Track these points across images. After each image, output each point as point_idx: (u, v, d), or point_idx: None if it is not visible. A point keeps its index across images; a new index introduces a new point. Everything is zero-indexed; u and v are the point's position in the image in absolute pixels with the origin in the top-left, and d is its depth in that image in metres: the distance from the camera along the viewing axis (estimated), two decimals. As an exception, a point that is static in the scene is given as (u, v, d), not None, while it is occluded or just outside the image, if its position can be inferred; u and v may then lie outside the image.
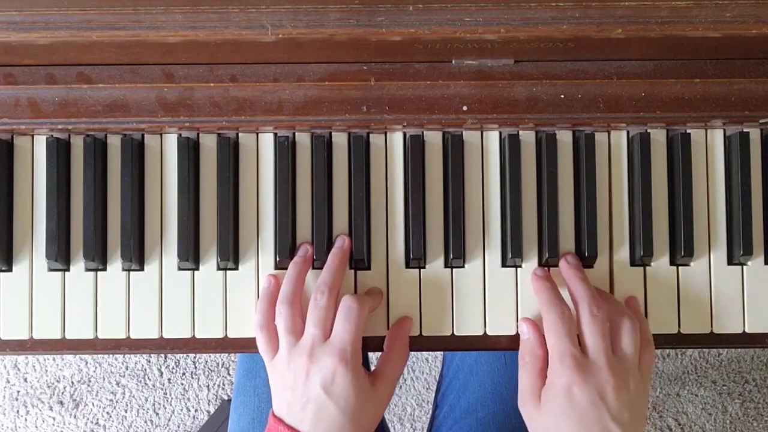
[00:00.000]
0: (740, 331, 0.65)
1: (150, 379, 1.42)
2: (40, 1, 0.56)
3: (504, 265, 0.65)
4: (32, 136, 0.65)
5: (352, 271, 0.65)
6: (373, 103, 0.62)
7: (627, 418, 0.56)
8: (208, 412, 1.43)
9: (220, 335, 0.65)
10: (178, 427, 1.42)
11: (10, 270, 0.65)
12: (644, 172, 0.64)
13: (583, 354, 0.58)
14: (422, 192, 0.64)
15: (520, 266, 0.65)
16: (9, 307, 0.64)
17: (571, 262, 0.63)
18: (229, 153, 0.64)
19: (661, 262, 0.65)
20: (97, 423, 1.42)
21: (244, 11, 0.56)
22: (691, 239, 0.64)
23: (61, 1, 0.56)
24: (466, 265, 0.65)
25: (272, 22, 0.57)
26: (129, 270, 0.65)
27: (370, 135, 0.65)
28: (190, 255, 0.64)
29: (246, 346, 0.65)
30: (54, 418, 1.42)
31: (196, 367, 1.43)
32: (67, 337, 0.65)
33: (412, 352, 0.67)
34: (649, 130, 0.65)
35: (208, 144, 0.65)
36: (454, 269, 0.65)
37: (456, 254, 0.64)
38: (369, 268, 0.65)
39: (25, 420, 1.42)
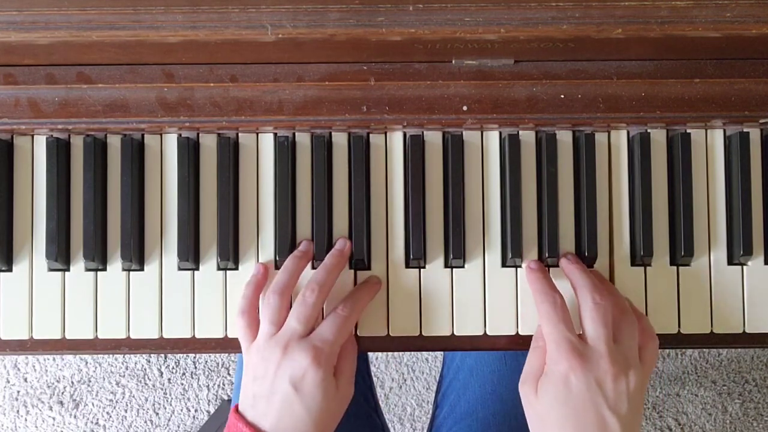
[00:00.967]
0: (740, 331, 0.65)
1: (150, 379, 1.42)
2: (40, 1, 0.56)
3: (504, 265, 0.65)
4: (32, 136, 0.65)
5: (352, 271, 0.65)
6: (373, 103, 0.62)
7: (624, 408, 0.55)
8: (208, 412, 1.43)
9: (220, 335, 0.65)
10: (178, 427, 1.42)
11: (10, 270, 0.65)
12: (644, 172, 0.64)
13: (582, 341, 0.57)
14: (422, 192, 0.64)
15: (520, 266, 0.65)
16: (9, 307, 0.64)
17: (571, 259, 0.63)
18: (229, 153, 0.64)
19: (661, 262, 0.65)
20: (97, 423, 1.42)
21: (244, 11, 0.56)
22: (691, 239, 0.64)
23: (61, 1, 0.56)
24: (466, 265, 0.65)
25: (272, 22, 0.57)
26: (129, 270, 0.65)
27: (370, 135, 0.65)
28: (190, 255, 0.64)
29: (246, 346, 0.65)
30: (54, 418, 1.42)
31: (196, 367, 1.43)
32: (67, 337, 0.65)
33: (413, 353, 0.67)
34: (649, 130, 0.65)
35: (208, 144, 0.65)
36: (454, 269, 0.65)
37: (456, 254, 0.64)
38: (369, 268, 0.65)
39: (25, 420, 1.42)
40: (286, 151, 0.65)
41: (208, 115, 0.62)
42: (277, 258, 0.64)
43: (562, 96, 0.62)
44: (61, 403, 1.42)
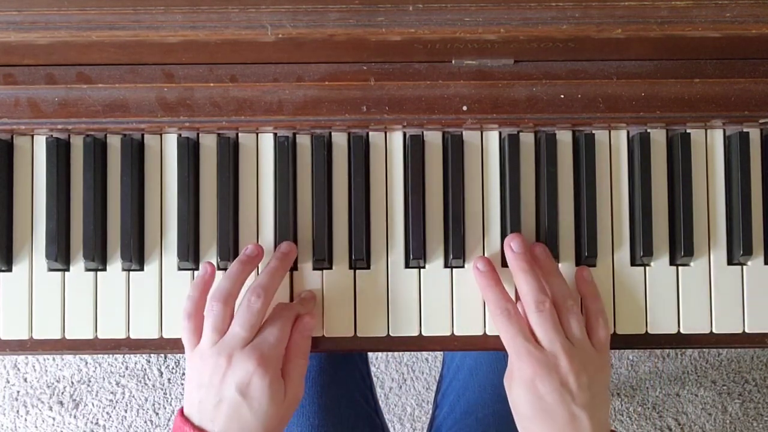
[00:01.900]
0: (740, 331, 0.65)
1: (150, 379, 1.42)
2: (40, 1, 0.56)
3: (504, 265, 0.65)
4: (32, 136, 0.65)
5: (352, 270, 0.65)
6: (372, 103, 0.62)
7: (588, 398, 0.58)
8: (208, 412, 1.42)
9: (220, 335, 0.65)
10: (178, 427, 1.42)
11: (10, 270, 0.65)
12: (644, 172, 0.64)
13: (538, 346, 0.59)
14: (422, 192, 0.64)
15: (520, 266, 0.65)
16: (9, 307, 0.64)
17: (516, 249, 0.62)
18: (229, 153, 0.64)
19: (661, 262, 0.65)
20: (97, 423, 1.42)
21: (244, 11, 0.56)
22: (691, 239, 0.64)
23: (61, 1, 0.56)
24: (465, 265, 0.65)
25: (272, 22, 0.57)
26: (129, 270, 0.65)
27: (370, 135, 0.65)
28: (190, 255, 0.64)
29: (246, 346, 0.65)
30: (54, 418, 1.42)
31: (196, 367, 1.43)
32: (67, 337, 0.65)
33: (413, 353, 0.67)
34: (649, 130, 0.65)
35: (208, 144, 0.65)
36: (454, 269, 0.65)
37: (456, 254, 0.64)
38: (369, 268, 0.65)
39: (25, 420, 1.42)
40: (286, 151, 0.64)
41: (208, 115, 0.62)
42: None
43: (562, 96, 0.62)
44: (61, 403, 1.42)
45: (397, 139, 0.65)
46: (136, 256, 0.64)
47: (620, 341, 0.65)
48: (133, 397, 1.42)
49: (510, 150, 0.64)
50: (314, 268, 0.65)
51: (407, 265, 0.65)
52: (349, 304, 0.65)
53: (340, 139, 0.65)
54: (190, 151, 0.64)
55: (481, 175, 0.65)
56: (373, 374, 0.97)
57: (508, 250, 0.63)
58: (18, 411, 1.42)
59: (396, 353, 1.36)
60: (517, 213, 0.64)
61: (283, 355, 0.61)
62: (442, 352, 1.17)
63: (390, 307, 0.65)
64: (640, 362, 1.41)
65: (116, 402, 1.42)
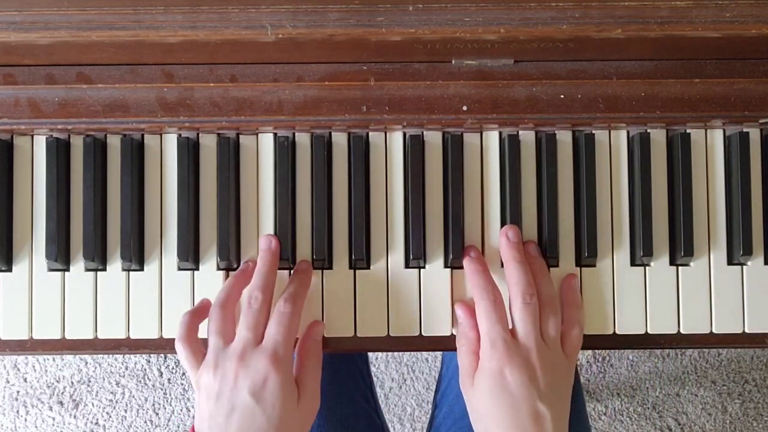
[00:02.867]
0: (740, 331, 0.65)
1: (150, 379, 1.42)
2: (40, 1, 0.56)
3: (502, 266, 0.65)
4: (32, 136, 0.65)
5: (352, 270, 0.65)
6: (372, 103, 0.62)
7: (554, 399, 0.59)
8: (208, 412, 1.42)
9: (220, 335, 0.65)
10: (178, 427, 1.42)
11: (10, 270, 0.65)
12: (644, 172, 0.64)
13: (513, 338, 0.59)
14: (422, 192, 0.64)
15: (520, 266, 0.65)
16: (9, 307, 0.64)
17: (512, 239, 0.63)
18: (229, 153, 0.64)
19: (661, 262, 0.65)
20: (96, 423, 1.42)
21: (244, 11, 0.56)
22: (691, 239, 0.64)
23: (61, 1, 0.56)
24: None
25: (272, 22, 0.57)
26: (129, 270, 0.65)
27: (370, 135, 0.65)
28: (190, 255, 0.64)
29: (246, 346, 0.65)
30: (54, 418, 1.42)
31: (196, 367, 1.43)
32: (67, 337, 0.65)
33: (413, 353, 0.67)
34: (649, 130, 0.65)
35: (208, 144, 0.65)
36: (453, 269, 0.65)
37: (456, 254, 0.64)
38: (369, 268, 0.65)
39: (25, 420, 1.42)
40: (286, 151, 0.65)
41: (207, 115, 0.62)
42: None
43: (562, 96, 0.62)
44: (61, 403, 1.42)
45: (397, 139, 0.65)
46: (136, 256, 0.64)
47: (620, 341, 0.65)
48: (133, 397, 1.42)
49: (510, 150, 0.64)
50: (314, 268, 0.65)
51: (407, 265, 0.65)
52: (349, 304, 0.65)
53: (340, 139, 0.65)
54: (190, 151, 0.64)
55: (481, 175, 0.65)
56: (373, 374, 0.97)
57: (504, 239, 0.63)
58: (18, 411, 1.42)
59: (396, 353, 1.36)
60: (517, 213, 0.64)
61: (297, 365, 0.61)
62: (441, 352, 1.17)
63: (390, 307, 0.65)
64: (640, 362, 1.41)
65: (116, 402, 1.42)
